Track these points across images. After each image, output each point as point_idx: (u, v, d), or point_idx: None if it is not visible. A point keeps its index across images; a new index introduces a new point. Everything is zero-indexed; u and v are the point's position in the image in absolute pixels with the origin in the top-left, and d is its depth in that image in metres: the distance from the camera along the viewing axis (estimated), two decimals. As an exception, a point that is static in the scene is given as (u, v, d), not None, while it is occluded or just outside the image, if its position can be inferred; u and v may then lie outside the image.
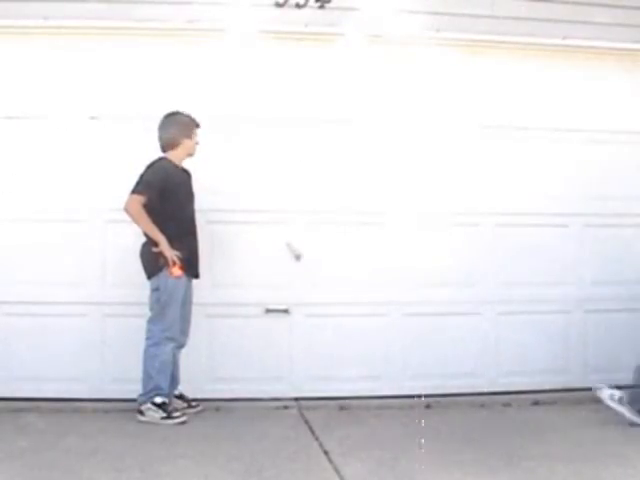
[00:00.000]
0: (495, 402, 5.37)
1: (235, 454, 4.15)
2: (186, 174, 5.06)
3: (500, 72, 5.65)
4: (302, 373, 5.37)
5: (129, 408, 4.89)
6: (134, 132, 5.23)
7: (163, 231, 4.80)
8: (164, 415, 4.76)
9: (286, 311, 5.40)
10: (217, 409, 5.09)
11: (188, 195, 5.02)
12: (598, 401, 5.39)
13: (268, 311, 5.32)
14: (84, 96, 5.27)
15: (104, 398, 5.10)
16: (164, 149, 4.99)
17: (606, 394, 4.86)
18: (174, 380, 4.97)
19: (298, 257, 5.30)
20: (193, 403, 5.05)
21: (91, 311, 5.23)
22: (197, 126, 5.01)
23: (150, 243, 4.86)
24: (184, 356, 5.10)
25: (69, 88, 5.26)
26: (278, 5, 5.34)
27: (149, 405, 4.78)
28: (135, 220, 4.84)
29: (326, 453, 4.19)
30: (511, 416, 5.08)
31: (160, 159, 4.96)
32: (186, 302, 4.95)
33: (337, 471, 3.90)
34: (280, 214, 5.37)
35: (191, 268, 4.94)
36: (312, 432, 4.63)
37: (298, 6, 5.36)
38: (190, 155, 5.03)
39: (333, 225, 5.44)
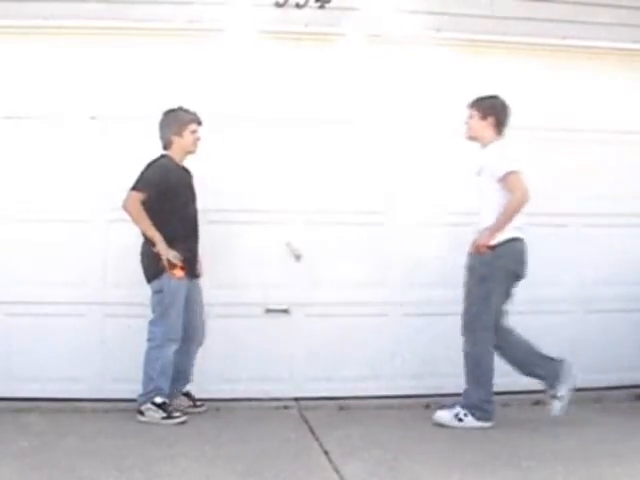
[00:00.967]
0: (495, 402, 5.37)
1: (235, 454, 4.16)
2: (187, 173, 5.05)
3: (500, 72, 5.65)
4: (302, 373, 5.37)
5: (129, 408, 4.89)
6: (134, 132, 5.23)
7: (162, 230, 4.79)
8: (164, 415, 4.76)
9: (286, 311, 5.41)
10: (217, 409, 5.09)
11: (189, 193, 5.01)
12: (598, 401, 5.41)
13: (268, 311, 5.33)
14: (84, 96, 5.26)
15: (104, 398, 5.10)
16: (163, 147, 5.00)
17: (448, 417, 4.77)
18: (184, 377, 4.99)
19: (298, 257, 5.30)
20: (198, 403, 5.06)
21: (91, 311, 5.23)
22: (196, 122, 4.98)
23: (149, 243, 4.85)
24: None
25: (69, 88, 5.25)
26: (278, 5, 5.34)
27: (149, 405, 4.78)
28: (133, 218, 4.83)
29: (326, 453, 4.20)
30: (511, 416, 5.08)
31: (160, 157, 4.97)
32: (192, 301, 4.94)
33: (337, 471, 3.90)
34: (280, 214, 5.37)
35: (190, 268, 4.93)
36: (312, 432, 4.63)
37: (298, 6, 5.36)
38: (190, 152, 5.01)
39: (333, 225, 5.44)
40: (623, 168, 5.78)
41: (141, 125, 5.18)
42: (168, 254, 4.78)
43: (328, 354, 5.38)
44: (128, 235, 4.98)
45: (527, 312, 5.59)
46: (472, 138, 4.96)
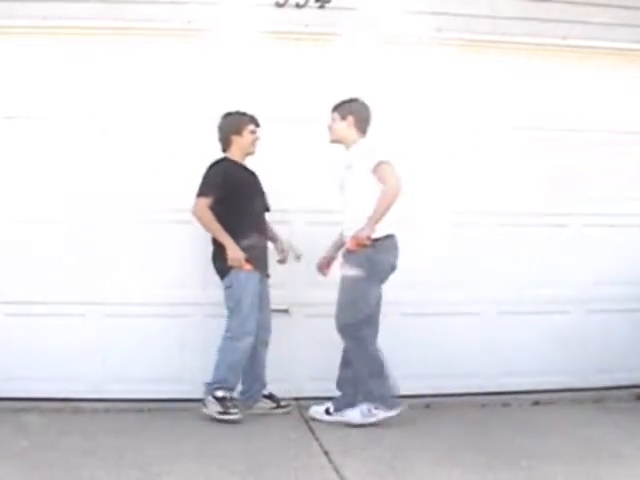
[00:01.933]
0: (495, 402, 5.37)
1: (236, 454, 4.16)
2: (250, 172, 5.09)
3: (500, 72, 5.65)
4: (302, 373, 5.38)
5: (129, 408, 4.89)
6: (135, 132, 5.24)
7: (230, 230, 4.83)
8: (221, 410, 4.77)
9: (286, 311, 5.41)
10: (217, 409, 5.09)
11: (254, 192, 5.05)
12: (598, 401, 5.41)
13: (268, 311, 5.32)
14: (85, 96, 5.26)
15: (104, 398, 5.10)
16: (223, 149, 5.06)
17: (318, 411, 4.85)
18: (259, 380, 5.04)
19: (298, 257, 5.30)
20: (283, 403, 5.08)
21: (92, 311, 5.23)
22: (254, 123, 5.04)
23: (219, 246, 4.88)
24: (183, 356, 5.12)
25: (69, 88, 5.25)
26: (278, 5, 5.35)
27: (210, 398, 4.80)
28: (203, 223, 4.89)
29: (326, 453, 4.19)
30: (511, 416, 5.09)
31: (221, 159, 5.02)
32: (262, 297, 4.98)
33: (337, 471, 3.90)
34: (280, 214, 5.36)
35: (260, 265, 4.97)
36: (312, 432, 4.63)
37: (298, 6, 5.37)
38: (249, 153, 5.07)
39: (333, 225, 5.42)
40: (623, 168, 5.79)
41: (142, 125, 5.19)
42: (237, 256, 4.80)
43: (328, 354, 5.35)
44: (128, 235, 5.01)
45: (527, 312, 5.61)
46: (335, 141, 4.98)
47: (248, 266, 4.86)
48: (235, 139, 5.02)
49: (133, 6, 5.17)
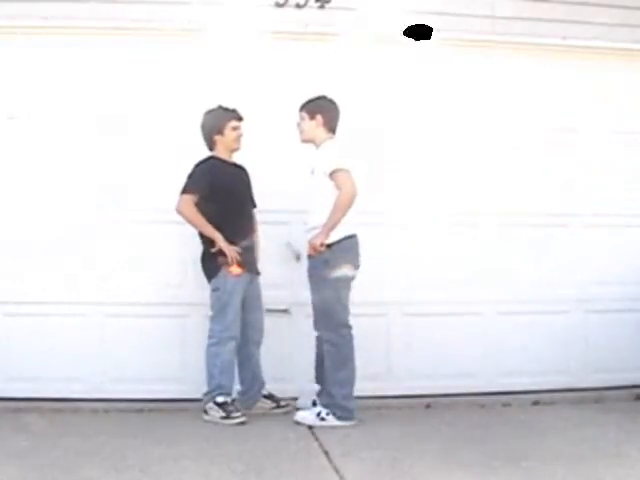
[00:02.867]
0: (495, 402, 5.37)
1: (235, 454, 4.15)
2: (239, 169, 5.07)
3: (500, 72, 5.66)
4: (302, 373, 5.36)
5: (129, 408, 4.89)
6: (135, 132, 5.23)
7: (218, 228, 4.82)
8: (223, 415, 4.76)
9: (286, 311, 5.41)
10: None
11: (241, 189, 5.04)
12: (598, 401, 5.41)
13: (268, 311, 5.30)
14: (85, 96, 5.27)
15: (104, 398, 5.10)
16: (209, 148, 5.04)
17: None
18: (258, 380, 5.02)
19: (298, 257, 5.30)
20: (282, 403, 5.08)
21: (91, 311, 5.23)
22: (236, 118, 5.00)
23: (207, 243, 4.86)
24: (183, 356, 5.12)
25: (70, 88, 5.26)
26: (278, 5, 5.35)
27: (211, 404, 4.79)
28: (189, 220, 4.86)
29: (326, 453, 4.19)
30: (511, 416, 5.08)
31: (208, 158, 5.00)
32: (251, 299, 4.97)
33: (337, 471, 3.89)
34: (280, 214, 5.36)
35: (248, 264, 4.94)
36: (312, 432, 4.63)
37: (298, 6, 5.37)
38: (234, 150, 5.04)
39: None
40: (623, 168, 5.79)
41: (141, 125, 5.19)
42: (230, 251, 4.80)
43: (328, 354, 5.37)
44: (127, 235, 4.99)
45: (527, 312, 5.61)
46: (305, 140, 4.96)
47: (238, 270, 4.82)
48: (218, 139, 4.99)
49: (133, 6, 5.17)
